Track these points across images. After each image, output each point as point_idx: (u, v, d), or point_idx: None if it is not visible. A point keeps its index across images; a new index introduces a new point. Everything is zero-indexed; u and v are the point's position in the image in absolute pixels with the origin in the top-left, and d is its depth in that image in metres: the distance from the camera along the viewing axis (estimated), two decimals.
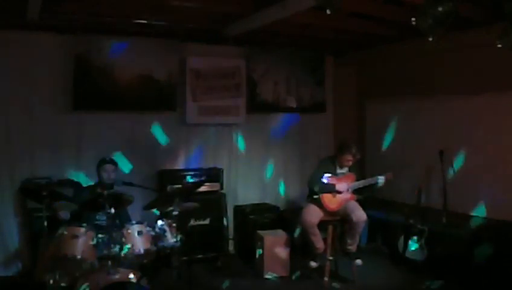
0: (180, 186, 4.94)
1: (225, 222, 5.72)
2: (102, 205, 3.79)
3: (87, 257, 3.67)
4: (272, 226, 5.62)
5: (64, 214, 4.12)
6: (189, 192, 4.50)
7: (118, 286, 3.49)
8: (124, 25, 5.04)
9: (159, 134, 5.73)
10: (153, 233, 3.98)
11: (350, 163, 5.02)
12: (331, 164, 5.08)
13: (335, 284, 4.90)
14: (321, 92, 6.71)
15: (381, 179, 4.96)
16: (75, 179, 5.10)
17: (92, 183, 4.71)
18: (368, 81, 6.75)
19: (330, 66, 6.86)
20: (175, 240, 4.04)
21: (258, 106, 6.29)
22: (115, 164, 4.56)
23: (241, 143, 6.28)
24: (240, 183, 6.25)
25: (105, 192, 3.86)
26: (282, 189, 6.53)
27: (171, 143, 5.82)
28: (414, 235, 5.18)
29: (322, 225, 4.90)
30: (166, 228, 4.05)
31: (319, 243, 4.90)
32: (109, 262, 3.67)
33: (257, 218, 5.75)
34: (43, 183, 4.65)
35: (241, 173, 6.26)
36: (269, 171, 6.45)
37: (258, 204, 6.14)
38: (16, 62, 4.94)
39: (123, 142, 5.48)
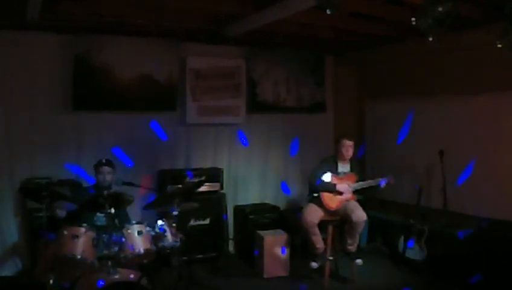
0: (180, 186, 4.93)
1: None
2: (102, 205, 3.79)
3: (87, 257, 3.65)
4: (271, 226, 5.61)
5: (61, 213, 4.13)
6: (189, 192, 4.50)
7: (118, 286, 3.48)
8: (124, 25, 5.04)
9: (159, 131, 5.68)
10: (153, 233, 3.98)
11: (350, 152, 5.02)
12: (332, 162, 5.08)
13: (335, 284, 4.90)
14: (321, 92, 6.71)
15: (383, 182, 4.96)
16: (75, 179, 5.10)
17: (92, 183, 4.70)
18: (367, 81, 6.75)
19: (330, 66, 6.84)
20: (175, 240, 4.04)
21: (258, 106, 6.29)
22: (111, 165, 4.51)
23: (241, 143, 6.28)
24: (239, 183, 6.24)
25: (105, 192, 3.87)
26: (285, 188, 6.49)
27: (171, 143, 5.81)
28: (414, 235, 5.18)
29: (322, 225, 4.90)
30: (166, 228, 4.05)
31: (319, 243, 4.89)
32: (109, 262, 3.66)
33: (257, 218, 5.75)
34: (43, 183, 4.63)
35: (241, 173, 6.26)
36: (269, 171, 6.44)
37: (258, 204, 6.13)
38: (16, 62, 4.93)
39: (123, 142, 5.45)
